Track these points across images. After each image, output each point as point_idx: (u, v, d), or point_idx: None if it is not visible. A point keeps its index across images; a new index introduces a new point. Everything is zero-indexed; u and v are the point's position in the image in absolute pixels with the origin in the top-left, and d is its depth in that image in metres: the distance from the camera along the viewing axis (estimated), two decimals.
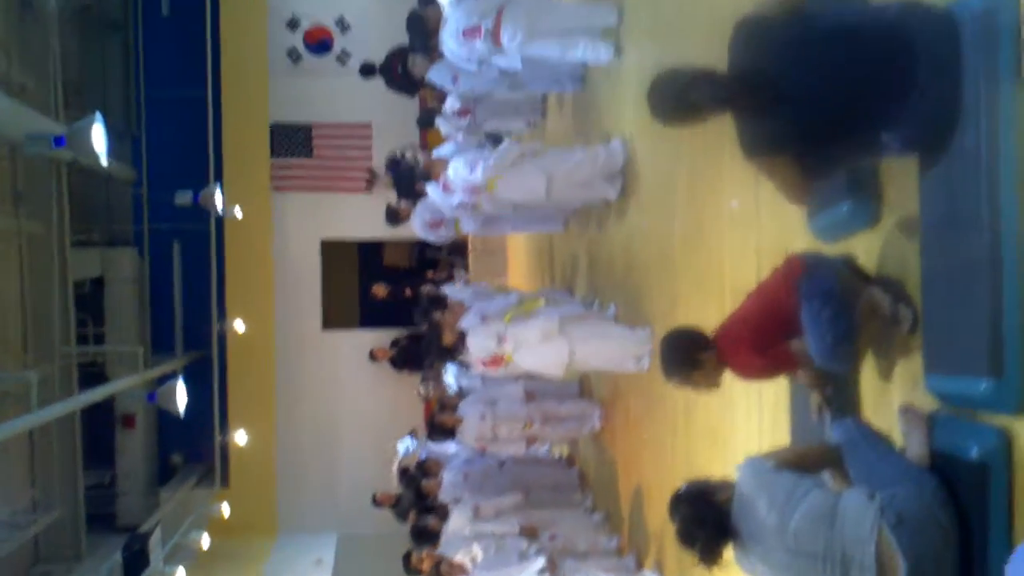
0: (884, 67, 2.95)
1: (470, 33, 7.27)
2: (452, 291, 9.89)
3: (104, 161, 7.76)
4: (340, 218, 15.86)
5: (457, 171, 7.63)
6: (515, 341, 6.96)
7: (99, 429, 14.77)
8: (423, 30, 7.83)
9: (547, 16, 7.32)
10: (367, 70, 10.76)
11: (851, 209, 3.72)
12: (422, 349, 10.05)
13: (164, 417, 13.67)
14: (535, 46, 7.26)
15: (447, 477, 8.95)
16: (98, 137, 7.12)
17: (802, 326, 3.62)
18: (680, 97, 3.07)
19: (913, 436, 3.30)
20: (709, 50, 3.36)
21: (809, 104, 2.98)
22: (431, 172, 8.08)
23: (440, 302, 8.41)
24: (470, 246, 13.80)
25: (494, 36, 7.14)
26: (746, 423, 5.03)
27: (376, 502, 10.51)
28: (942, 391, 3.21)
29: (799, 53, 3.01)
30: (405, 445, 10.51)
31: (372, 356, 15.11)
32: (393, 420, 14.04)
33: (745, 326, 3.84)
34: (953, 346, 3.11)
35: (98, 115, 7.10)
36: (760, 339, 3.81)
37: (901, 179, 3.42)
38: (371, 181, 15.20)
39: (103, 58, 15.45)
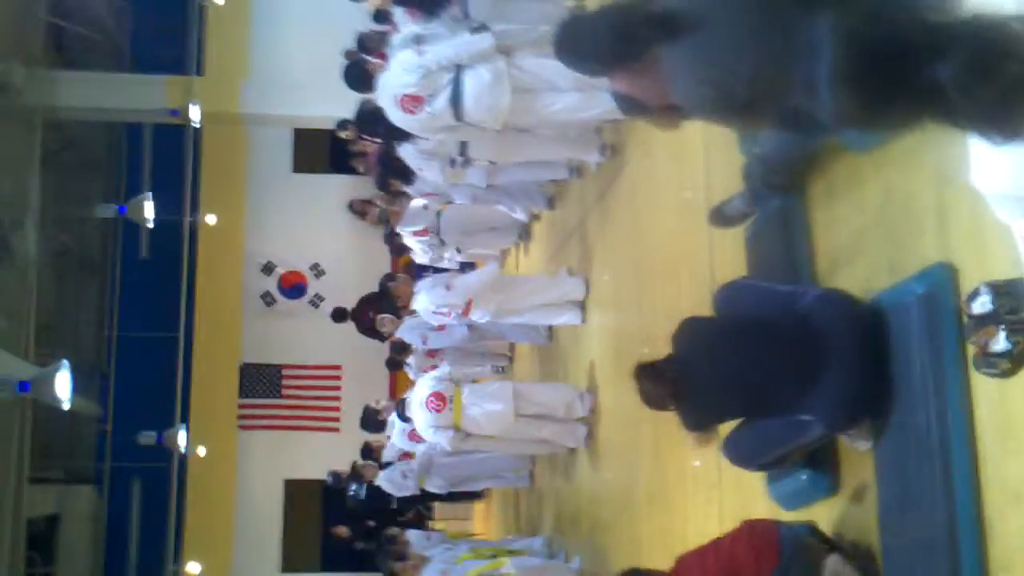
0: (794, 357, 3.29)
1: (440, 313, 7.60)
2: (415, 538, 9.73)
3: (67, 407, 7.78)
4: (305, 457, 15.70)
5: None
6: None
7: None
8: (392, 304, 8.08)
9: (516, 296, 7.67)
10: (339, 315, 10.96)
11: (809, 479, 3.77)
12: None
13: None
14: (506, 319, 7.57)
15: None
16: (63, 385, 7.19)
17: None
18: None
19: None
20: (658, 325, 3.55)
21: (734, 391, 3.43)
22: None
23: (398, 545, 8.30)
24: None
25: (463, 314, 7.49)
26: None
27: None
28: None
29: (729, 345, 3.46)
30: None
31: None
32: None
33: None
34: None
35: (64, 363, 7.17)
36: None
37: (858, 452, 3.49)
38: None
39: (78, 298, 15.66)
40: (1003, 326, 2.57)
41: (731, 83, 2.21)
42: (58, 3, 13.63)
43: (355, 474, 10.46)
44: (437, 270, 9.39)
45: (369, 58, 7.93)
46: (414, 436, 7.94)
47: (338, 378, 15.61)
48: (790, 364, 3.29)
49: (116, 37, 15.66)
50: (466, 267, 9.40)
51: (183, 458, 14.40)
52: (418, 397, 7.43)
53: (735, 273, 4.37)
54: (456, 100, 6.30)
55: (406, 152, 7.30)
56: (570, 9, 7.11)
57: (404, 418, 7.72)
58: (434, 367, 9.08)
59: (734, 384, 3.43)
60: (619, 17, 2.55)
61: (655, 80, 2.45)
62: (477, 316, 7.68)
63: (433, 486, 9.65)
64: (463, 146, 7.02)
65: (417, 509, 13.96)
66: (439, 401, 7.24)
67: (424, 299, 7.69)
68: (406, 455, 9.78)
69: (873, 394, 3.24)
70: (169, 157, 15.29)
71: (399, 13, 8.43)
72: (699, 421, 3.70)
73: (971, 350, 2.79)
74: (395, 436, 8.57)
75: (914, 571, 3.08)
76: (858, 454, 3.47)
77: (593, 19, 2.60)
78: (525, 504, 10.23)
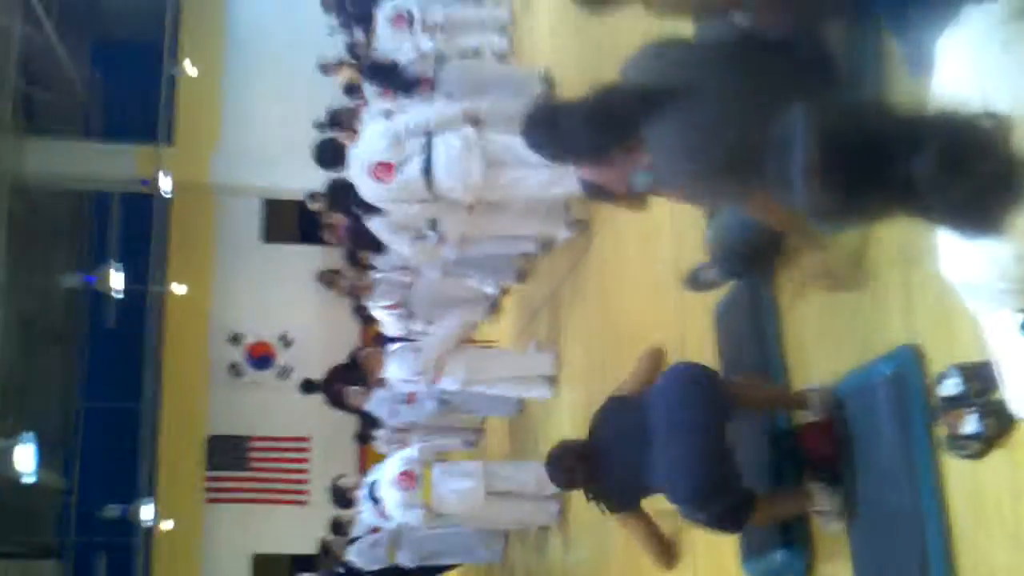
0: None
1: (411, 382, 7.61)
2: None
3: (31, 480, 7.67)
4: (273, 531, 15.48)
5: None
6: None
7: None
8: (361, 376, 8.07)
9: (485, 367, 7.69)
10: (308, 387, 10.87)
11: (784, 558, 3.76)
12: None
13: None
14: (475, 388, 7.58)
15: None
16: (26, 459, 7.10)
17: None
18: None
19: None
20: None
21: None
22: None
23: None
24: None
25: (434, 381, 7.49)
26: None
27: None
28: None
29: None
30: None
31: None
32: None
33: None
34: None
35: (29, 436, 7.09)
36: None
37: (833, 533, 3.48)
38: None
39: (44, 368, 15.48)
40: (973, 408, 2.58)
41: (713, 155, 2.26)
42: (27, 69, 13.62)
43: (325, 551, 10.26)
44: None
45: (340, 133, 7.97)
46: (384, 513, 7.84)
47: (306, 450, 15.46)
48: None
49: (86, 104, 15.68)
50: None
51: (149, 532, 14.15)
52: (388, 475, 7.37)
53: (705, 348, 4.39)
54: (428, 171, 6.33)
55: (376, 226, 7.31)
56: (540, 97, 7.21)
57: (374, 499, 7.65)
58: (403, 444, 9.02)
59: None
60: (597, 111, 2.60)
61: (621, 170, 2.49)
62: (448, 384, 7.66)
63: (403, 559, 9.52)
64: (433, 221, 7.04)
65: None
66: (408, 480, 7.19)
67: (395, 368, 7.67)
68: (376, 529, 9.66)
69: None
70: (137, 225, 15.25)
71: (369, 89, 8.50)
72: (611, 504, 3.96)
73: (941, 431, 2.80)
74: (365, 512, 8.45)
75: None
76: (833, 535, 3.47)
77: (568, 113, 2.64)
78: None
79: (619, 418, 3.87)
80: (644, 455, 3.60)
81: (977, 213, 1.70)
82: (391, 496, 7.31)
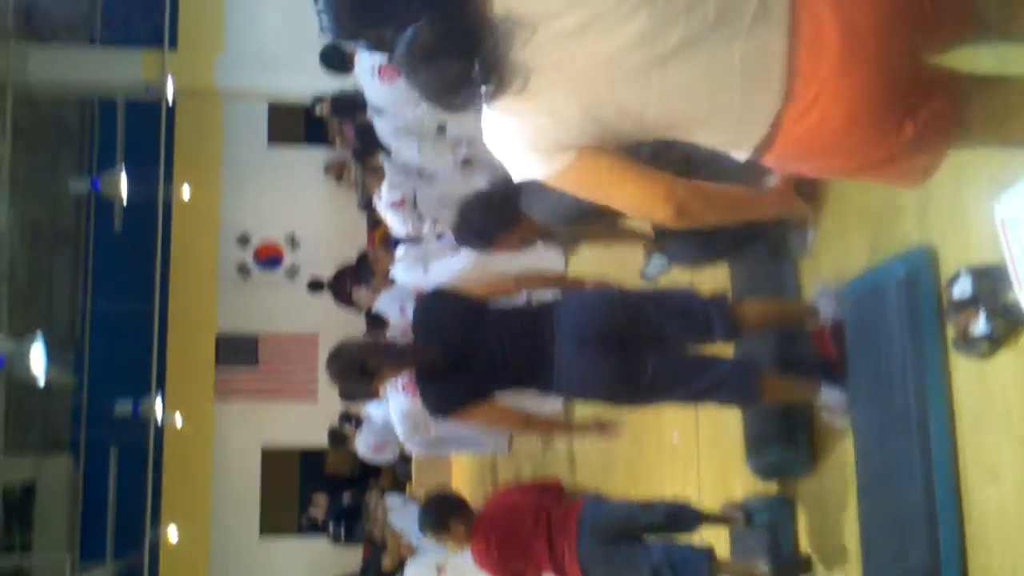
0: None
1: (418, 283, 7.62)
2: (394, 502, 9.79)
3: (42, 383, 7.78)
4: (282, 426, 15.72)
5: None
6: (455, 571, 6.87)
7: None
8: (368, 275, 8.07)
9: (495, 260, 7.66)
10: (315, 286, 10.95)
11: (788, 453, 3.84)
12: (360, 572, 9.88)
13: None
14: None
15: None
16: (37, 360, 7.19)
17: None
18: None
19: None
20: None
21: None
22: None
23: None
24: (414, 457, 13.69)
25: None
26: None
27: None
28: None
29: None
30: None
31: None
32: None
33: (504, 543, 4.05)
34: None
35: (39, 336, 7.17)
36: (509, 555, 4.04)
37: (837, 429, 3.55)
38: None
39: (51, 269, 15.54)
40: (983, 310, 2.63)
41: None
42: None
43: (333, 437, 10.40)
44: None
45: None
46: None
47: (315, 348, 15.60)
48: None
49: (89, 9, 15.44)
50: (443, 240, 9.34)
51: (160, 427, 14.38)
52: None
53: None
54: None
55: (383, 130, 7.26)
56: None
57: None
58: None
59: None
60: None
61: None
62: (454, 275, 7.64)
63: (411, 447, 9.69)
64: (442, 125, 6.99)
65: (395, 474, 14.04)
66: (414, 387, 7.27)
67: (402, 268, 7.68)
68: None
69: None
70: (143, 130, 15.12)
71: None
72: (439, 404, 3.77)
73: (950, 332, 2.85)
74: (373, 408, 8.59)
75: (891, 547, 3.15)
76: (836, 431, 3.54)
77: None
78: (502, 470, 10.29)
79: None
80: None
81: None
82: (395, 401, 7.39)
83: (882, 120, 1.80)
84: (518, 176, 2.03)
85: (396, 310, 8.95)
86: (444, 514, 4.19)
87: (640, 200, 2.07)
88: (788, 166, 2.08)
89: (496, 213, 3.98)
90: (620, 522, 3.97)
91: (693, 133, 1.93)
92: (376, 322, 10.25)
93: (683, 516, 4.00)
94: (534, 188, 3.86)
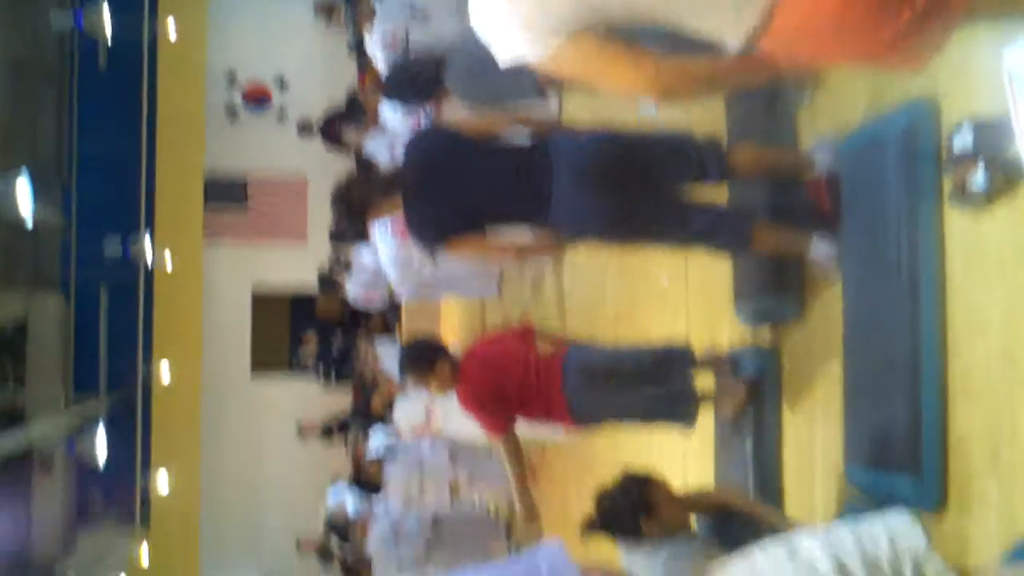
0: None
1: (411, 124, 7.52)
2: (383, 347, 9.90)
3: (29, 223, 7.74)
4: (273, 269, 15.80)
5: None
6: (444, 411, 7.01)
7: (16, 469, 14.40)
8: (359, 116, 7.95)
9: None
10: (305, 128, 10.83)
11: (776, 300, 3.87)
12: (350, 416, 10.06)
13: None
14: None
15: (376, 530, 8.90)
16: (23, 197, 7.14)
17: None
18: None
19: None
20: None
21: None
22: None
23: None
24: (403, 303, 13.79)
25: None
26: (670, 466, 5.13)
27: (300, 547, 10.50)
28: (860, 482, 3.34)
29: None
30: (335, 495, 10.40)
31: (300, 431, 14.69)
32: (320, 463, 13.97)
33: (492, 385, 4.10)
34: (873, 441, 3.23)
35: (24, 173, 7.10)
36: (495, 396, 4.11)
37: (826, 278, 3.58)
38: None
39: (36, 106, 15.25)
40: (983, 163, 2.61)
41: None
42: None
43: (323, 281, 10.45)
44: None
45: None
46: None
47: (304, 190, 15.53)
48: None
49: None
50: None
51: (150, 267, 14.42)
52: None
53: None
54: None
55: None
56: None
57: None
58: None
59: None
60: None
61: None
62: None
63: (399, 291, 9.75)
64: None
65: (383, 316, 14.18)
66: (405, 235, 7.29)
67: (391, 110, 7.58)
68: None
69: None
70: None
71: None
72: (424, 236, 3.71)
73: (948, 186, 2.83)
74: (364, 253, 8.59)
75: (875, 397, 3.20)
76: (826, 282, 3.57)
77: None
78: (490, 313, 10.39)
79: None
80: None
81: None
82: (385, 246, 7.38)
83: (879, 4, 1.76)
84: (506, 56, 2.05)
85: (386, 152, 8.88)
86: (429, 356, 4.23)
87: (629, 82, 2.10)
88: (783, 55, 2.05)
89: (418, 84, 4.46)
90: (606, 366, 4.02)
91: (684, 19, 1.91)
92: (366, 165, 10.18)
93: (673, 359, 4.04)
94: (465, 67, 4.02)
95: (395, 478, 8.27)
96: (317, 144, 10.64)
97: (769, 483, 3.98)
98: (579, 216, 3.46)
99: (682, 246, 3.83)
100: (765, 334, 4.09)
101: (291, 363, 14.46)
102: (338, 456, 13.22)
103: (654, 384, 3.97)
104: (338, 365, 12.78)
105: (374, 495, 8.86)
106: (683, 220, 3.47)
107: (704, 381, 4.14)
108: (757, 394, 4.00)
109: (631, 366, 4.02)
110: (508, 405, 4.12)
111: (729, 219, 3.53)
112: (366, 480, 8.46)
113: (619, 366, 4.03)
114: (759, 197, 3.77)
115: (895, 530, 1.88)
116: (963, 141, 2.66)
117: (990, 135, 2.58)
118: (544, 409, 4.06)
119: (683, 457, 4.89)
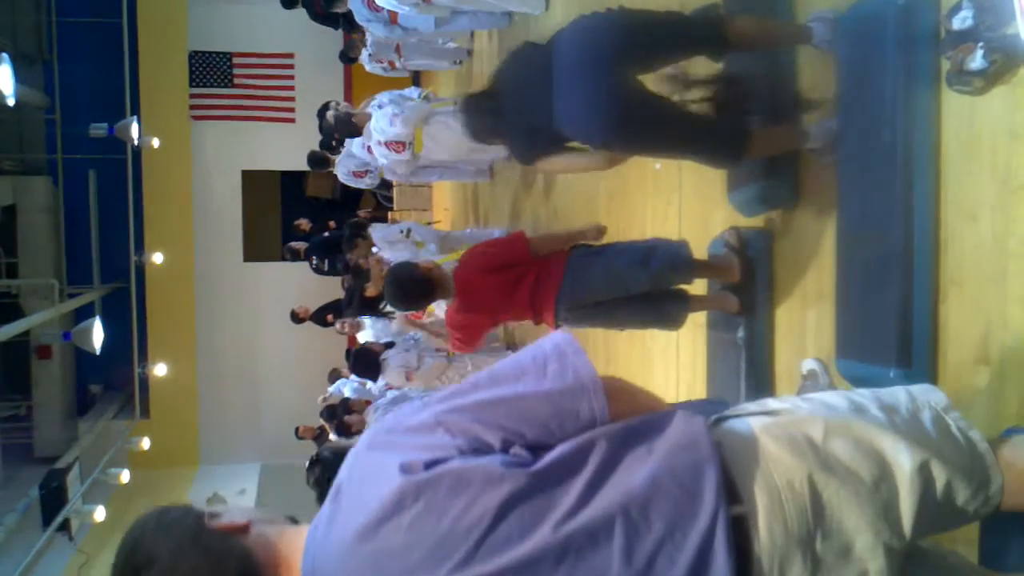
0: None
1: None
2: (378, 230, 9.79)
3: (11, 102, 7.56)
4: (261, 148, 15.57)
5: (379, 127, 7.54)
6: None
7: (14, 359, 14.48)
8: None
9: None
10: (289, 1, 10.52)
11: (769, 186, 3.77)
12: (344, 301, 10.01)
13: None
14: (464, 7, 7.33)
15: (374, 405, 8.97)
16: (4, 77, 6.95)
17: None
18: None
19: None
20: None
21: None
22: (358, 125, 7.95)
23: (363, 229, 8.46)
24: (395, 184, 13.65)
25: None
26: (664, 374, 5.13)
27: (298, 435, 10.60)
28: (852, 375, 3.29)
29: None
30: (337, 385, 10.46)
31: (294, 316, 14.66)
32: (316, 349, 14.02)
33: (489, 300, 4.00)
34: (864, 334, 3.18)
35: (5, 57, 6.90)
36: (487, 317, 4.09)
37: (820, 164, 3.47)
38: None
39: None
40: (982, 43, 2.48)
41: None
42: None
43: (315, 158, 10.25)
44: None
45: None
46: None
47: (291, 67, 15.21)
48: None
49: None
50: None
51: (137, 149, 14.21)
52: (377, 132, 7.32)
53: None
54: None
55: None
56: None
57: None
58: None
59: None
60: None
61: None
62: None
63: (392, 177, 9.65)
64: None
65: (376, 200, 14.05)
66: (399, 146, 7.21)
67: None
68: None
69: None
70: None
71: None
72: (523, 154, 3.60)
73: (945, 66, 2.71)
74: (355, 147, 8.42)
75: (867, 281, 3.14)
76: (820, 167, 3.46)
77: None
78: (483, 198, 10.29)
79: (530, 61, 3.46)
80: (551, 99, 3.33)
81: None
82: (380, 152, 7.34)
83: None
84: None
85: (381, 29, 8.65)
86: (422, 291, 4.07)
87: None
88: None
89: None
90: (604, 288, 3.90)
91: None
92: (352, 27, 9.94)
93: (676, 264, 3.92)
94: None
95: (393, 359, 8.28)
96: (303, 17, 10.33)
97: (760, 370, 3.94)
98: (573, 117, 3.30)
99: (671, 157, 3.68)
100: (758, 221, 3.99)
101: (283, 256, 14.35)
102: (335, 341, 13.23)
103: (645, 300, 3.90)
104: (331, 256, 12.72)
105: (371, 383, 8.89)
106: (678, 132, 3.34)
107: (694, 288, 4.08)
108: (751, 276, 3.93)
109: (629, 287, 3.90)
110: (497, 318, 4.12)
111: (724, 135, 3.37)
112: (362, 364, 8.45)
113: (615, 287, 3.91)
114: (752, 96, 3.62)
115: (914, 388, 1.82)
116: (963, 18, 2.53)
117: (990, 13, 2.45)
118: (537, 313, 3.97)
119: (676, 345, 4.87)
